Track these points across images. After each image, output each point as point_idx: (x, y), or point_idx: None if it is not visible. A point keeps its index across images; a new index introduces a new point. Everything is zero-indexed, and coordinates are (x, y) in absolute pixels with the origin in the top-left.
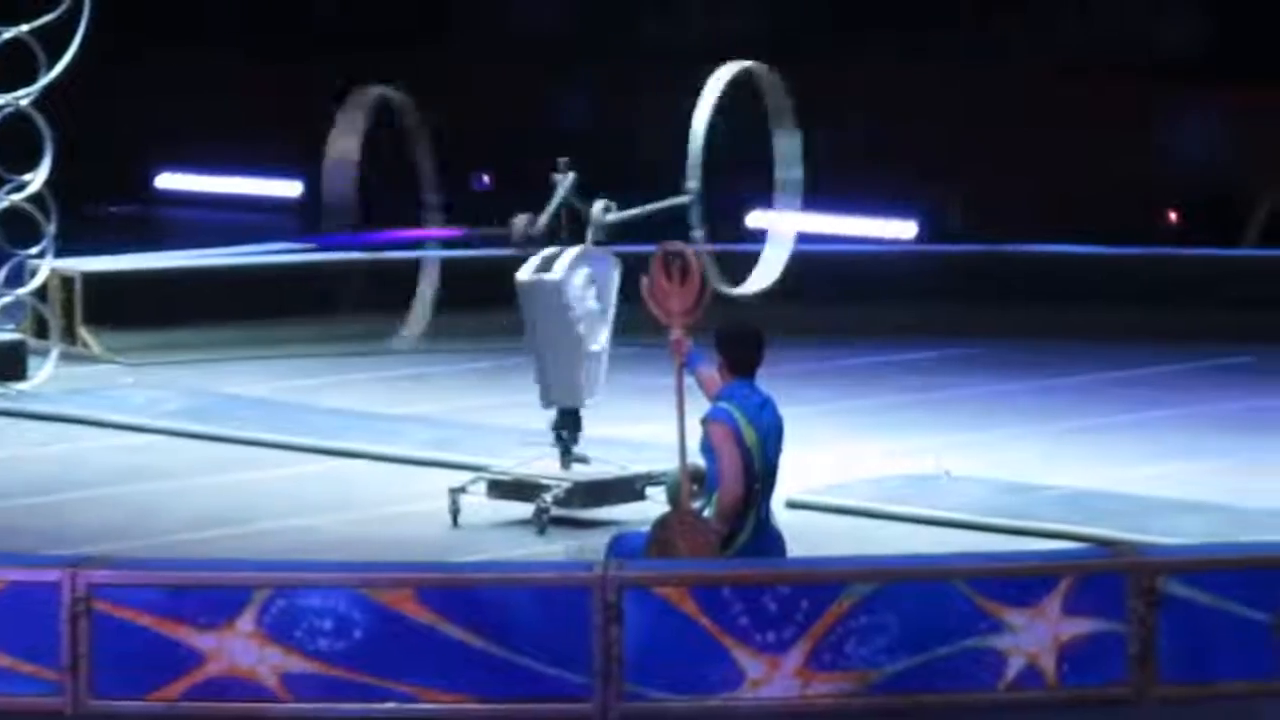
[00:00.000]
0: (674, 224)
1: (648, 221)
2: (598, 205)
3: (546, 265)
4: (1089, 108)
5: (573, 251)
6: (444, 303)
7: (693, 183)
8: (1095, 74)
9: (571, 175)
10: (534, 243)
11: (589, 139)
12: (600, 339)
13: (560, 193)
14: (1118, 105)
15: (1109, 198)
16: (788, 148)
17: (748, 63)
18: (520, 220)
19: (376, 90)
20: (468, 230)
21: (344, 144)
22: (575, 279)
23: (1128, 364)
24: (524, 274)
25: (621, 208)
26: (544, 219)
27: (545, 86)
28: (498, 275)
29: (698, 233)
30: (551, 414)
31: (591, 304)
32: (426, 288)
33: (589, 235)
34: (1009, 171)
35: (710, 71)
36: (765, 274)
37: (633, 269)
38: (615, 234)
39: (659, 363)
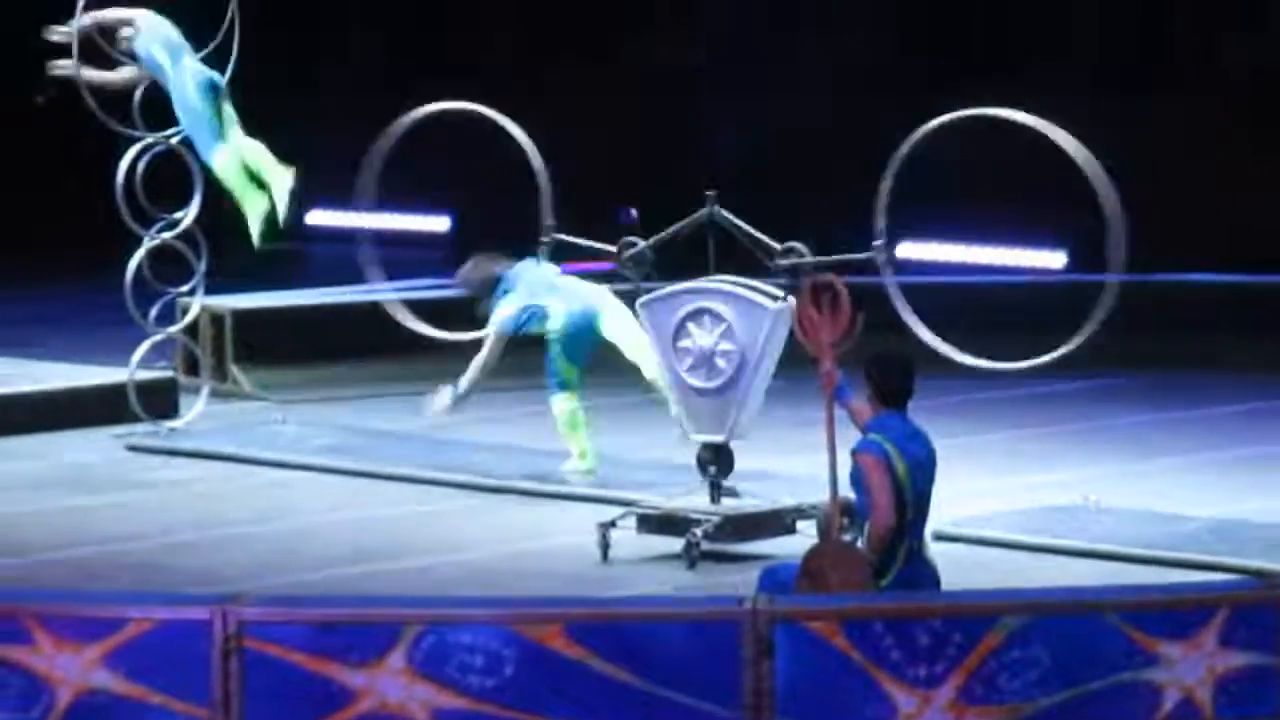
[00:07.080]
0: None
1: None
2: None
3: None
4: (1251, 136)
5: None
6: None
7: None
8: (1258, 100)
9: (714, 207)
10: (639, 265)
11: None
12: (748, 376)
13: (682, 222)
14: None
15: (1268, 225)
16: None
17: None
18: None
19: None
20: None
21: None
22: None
23: None
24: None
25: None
26: (647, 244)
27: (694, 116)
28: None
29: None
30: (697, 448)
31: (725, 343)
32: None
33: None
34: (1167, 201)
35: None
36: None
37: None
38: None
39: (809, 395)
